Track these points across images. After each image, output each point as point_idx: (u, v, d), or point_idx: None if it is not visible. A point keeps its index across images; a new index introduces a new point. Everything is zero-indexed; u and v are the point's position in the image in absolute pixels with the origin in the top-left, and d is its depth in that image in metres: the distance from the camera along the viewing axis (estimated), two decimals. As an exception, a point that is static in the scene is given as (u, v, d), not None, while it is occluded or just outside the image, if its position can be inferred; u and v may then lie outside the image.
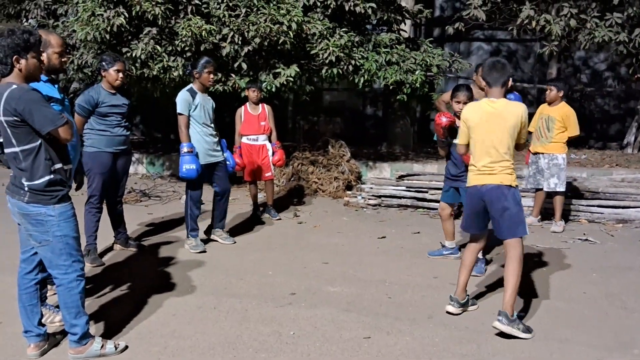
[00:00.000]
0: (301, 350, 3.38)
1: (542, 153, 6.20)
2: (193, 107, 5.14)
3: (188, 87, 5.25)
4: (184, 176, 5.05)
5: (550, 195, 6.31)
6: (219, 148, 5.41)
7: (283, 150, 6.61)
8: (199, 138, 5.20)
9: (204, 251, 5.28)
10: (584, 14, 8.06)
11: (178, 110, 5.12)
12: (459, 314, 3.93)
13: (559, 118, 6.10)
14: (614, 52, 8.52)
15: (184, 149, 5.04)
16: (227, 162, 5.52)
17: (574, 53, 11.34)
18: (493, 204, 3.68)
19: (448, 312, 3.92)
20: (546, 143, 6.17)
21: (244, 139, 6.50)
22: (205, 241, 5.53)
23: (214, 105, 5.45)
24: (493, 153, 3.67)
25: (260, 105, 6.53)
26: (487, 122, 3.69)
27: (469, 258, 3.96)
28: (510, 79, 3.79)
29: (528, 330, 3.61)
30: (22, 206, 3.02)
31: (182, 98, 5.13)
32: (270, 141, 6.57)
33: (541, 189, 6.29)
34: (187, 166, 4.98)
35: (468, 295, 4.03)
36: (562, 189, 6.16)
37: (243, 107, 6.52)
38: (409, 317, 3.87)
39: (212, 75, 5.22)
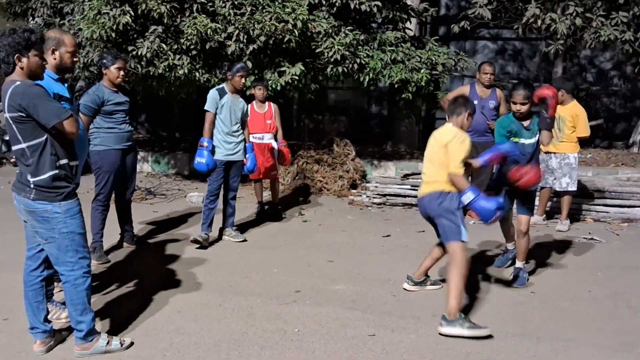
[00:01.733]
0: (306, 348, 3.39)
1: (554, 152, 6.14)
2: (219, 105, 5.33)
3: (220, 86, 5.49)
4: (195, 168, 5.35)
5: (559, 194, 6.28)
6: (239, 149, 5.51)
7: (289, 149, 6.62)
8: (220, 137, 5.38)
9: (202, 248, 5.30)
10: (589, 12, 8.02)
11: (205, 107, 5.36)
12: (414, 291, 4.31)
13: (570, 117, 6.05)
14: (620, 51, 8.48)
15: (203, 143, 5.27)
16: (245, 163, 5.62)
17: (580, 52, 11.29)
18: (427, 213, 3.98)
19: (404, 289, 4.32)
20: (557, 143, 6.09)
21: (250, 137, 6.51)
22: (214, 241, 5.60)
23: (245, 107, 5.60)
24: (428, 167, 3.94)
25: (266, 103, 6.54)
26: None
27: (438, 252, 4.24)
28: (465, 114, 3.84)
29: (476, 326, 3.55)
30: (28, 203, 3.04)
31: (210, 96, 5.37)
32: (276, 140, 6.58)
33: (546, 188, 6.26)
34: (199, 159, 5.26)
35: (428, 276, 4.38)
36: (573, 188, 6.12)
37: (249, 105, 6.53)
38: (413, 315, 3.88)
39: (243, 80, 5.42)
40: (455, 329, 3.53)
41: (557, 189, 6.17)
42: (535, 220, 6.35)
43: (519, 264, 4.52)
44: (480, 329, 3.55)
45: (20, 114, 2.90)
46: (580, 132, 6.10)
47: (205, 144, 5.25)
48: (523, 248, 4.48)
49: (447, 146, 3.75)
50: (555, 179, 6.16)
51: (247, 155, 5.64)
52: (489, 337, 3.53)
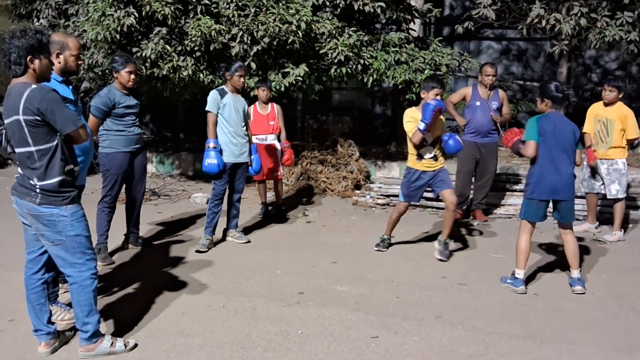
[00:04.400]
0: (309, 350, 3.39)
1: (602, 159, 5.90)
2: (222, 105, 5.31)
3: (220, 87, 5.48)
4: (205, 170, 5.24)
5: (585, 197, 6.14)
6: (245, 150, 5.51)
7: (292, 150, 6.61)
8: (225, 139, 5.35)
9: (199, 251, 5.28)
10: (594, 12, 8.00)
11: (206, 108, 5.34)
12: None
13: (618, 120, 5.82)
14: (625, 51, 8.45)
15: (210, 144, 5.22)
16: (250, 165, 5.61)
17: (585, 52, 11.26)
18: None
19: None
20: (606, 148, 5.88)
21: (253, 139, 6.51)
22: (218, 242, 5.60)
23: (246, 107, 5.59)
24: None
25: (269, 104, 6.55)
26: None
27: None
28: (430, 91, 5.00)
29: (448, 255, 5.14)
30: (33, 207, 3.04)
31: (211, 97, 5.35)
32: (279, 140, 6.58)
33: (592, 194, 6.06)
34: (209, 160, 5.17)
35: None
36: (622, 195, 5.89)
37: (252, 106, 6.53)
38: (416, 317, 3.87)
39: (242, 79, 5.42)
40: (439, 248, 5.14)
41: (608, 197, 5.94)
42: (586, 228, 6.15)
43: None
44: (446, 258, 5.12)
45: (36, 117, 2.90)
46: (631, 134, 5.83)
47: (212, 144, 5.21)
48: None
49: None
50: (603, 185, 5.94)
51: (252, 157, 5.63)
52: (492, 337, 3.53)
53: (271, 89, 6.78)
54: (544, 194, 4.28)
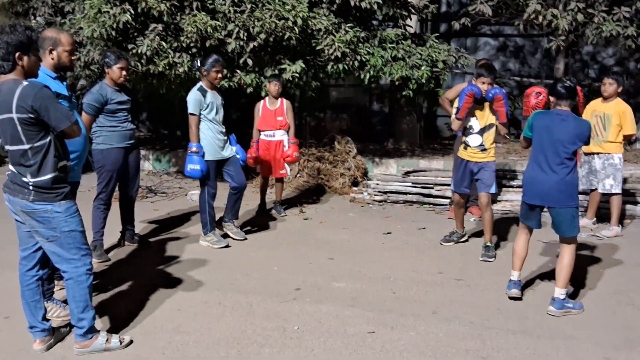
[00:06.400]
0: (305, 345, 3.38)
1: (597, 153, 5.87)
2: (205, 106, 5.17)
3: (198, 85, 5.26)
4: (188, 175, 5.16)
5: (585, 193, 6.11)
6: (227, 145, 5.45)
7: (297, 147, 6.53)
8: (210, 135, 5.25)
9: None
10: (591, 8, 7.98)
11: (190, 111, 5.14)
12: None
13: (616, 115, 5.81)
14: (623, 47, 8.44)
15: (192, 148, 5.10)
16: (237, 156, 5.53)
17: (582, 48, 11.24)
18: None
19: None
20: (602, 142, 5.84)
21: (261, 135, 6.46)
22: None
23: (223, 102, 5.49)
24: None
25: (279, 100, 6.45)
26: None
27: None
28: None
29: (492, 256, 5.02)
30: (26, 205, 3.02)
31: (193, 98, 5.13)
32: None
33: (595, 190, 6.01)
34: (192, 166, 5.08)
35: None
36: (618, 190, 5.85)
37: (262, 101, 6.48)
38: (413, 313, 3.87)
39: (219, 75, 5.22)
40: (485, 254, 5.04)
41: (601, 191, 5.93)
42: (584, 224, 6.03)
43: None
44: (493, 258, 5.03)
45: (30, 115, 2.88)
46: (628, 129, 5.83)
47: (195, 149, 5.07)
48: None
49: None
50: (598, 180, 5.92)
51: (233, 148, 5.48)
52: (490, 332, 3.52)
53: (283, 84, 6.70)
54: (529, 197, 3.97)
